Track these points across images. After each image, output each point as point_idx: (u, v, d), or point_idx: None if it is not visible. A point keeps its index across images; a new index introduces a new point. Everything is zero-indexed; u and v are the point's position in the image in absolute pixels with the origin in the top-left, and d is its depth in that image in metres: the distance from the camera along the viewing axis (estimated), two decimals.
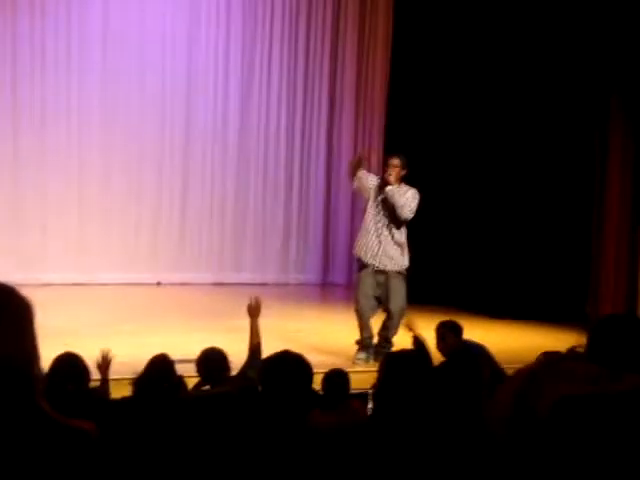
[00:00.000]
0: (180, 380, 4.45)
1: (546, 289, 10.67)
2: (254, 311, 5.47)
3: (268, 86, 12.84)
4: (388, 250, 7.58)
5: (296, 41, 12.91)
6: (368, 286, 7.60)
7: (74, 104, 11.78)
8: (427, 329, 6.06)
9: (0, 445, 1.68)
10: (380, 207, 7.60)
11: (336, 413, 3.98)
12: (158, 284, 12.11)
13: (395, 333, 7.52)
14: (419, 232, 11.58)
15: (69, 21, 11.70)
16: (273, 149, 12.95)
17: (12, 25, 11.41)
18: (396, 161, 7.61)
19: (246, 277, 12.49)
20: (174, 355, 4.96)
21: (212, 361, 4.88)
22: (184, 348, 6.83)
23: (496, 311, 10.39)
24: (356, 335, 7.73)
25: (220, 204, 12.70)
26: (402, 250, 7.64)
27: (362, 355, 7.55)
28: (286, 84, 12.94)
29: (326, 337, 8.62)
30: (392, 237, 7.58)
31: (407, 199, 7.51)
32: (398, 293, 7.56)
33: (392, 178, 7.53)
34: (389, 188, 7.52)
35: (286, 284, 12.78)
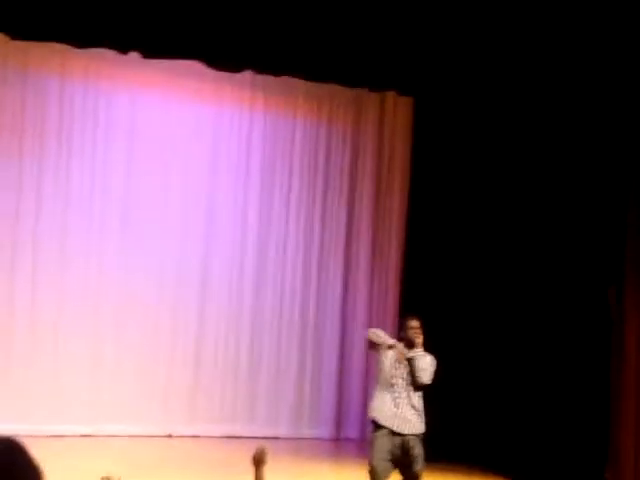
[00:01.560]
0: None
1: (564, 452, 10.47)
2: (258, 462, 5.23)
3: (285, 242, 13.05)
4: (406, 414, 7.44)
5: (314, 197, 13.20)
6: (384, 447, 7.44)
7: (95, 234, 11.98)
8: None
9: None
10: (401, 369, 7.48)
11: None
12: (169, 436, 11.95)
13: None
14: (442, 388, 11.62)
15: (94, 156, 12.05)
16: (288, 304, 13.03)
17: (39, 156, 11.72)
18: (418, 323, 7.52)
19: (259, 430, 12.33)
20: None
21: None
22: None
23: (518, 473, 10.16)
24: None
25: (234, 356, 12.67)
26: (419, 416, 7.49)
27: None
28: (303, 233, 13.16)
29: None
30: (410, 400, 7.46)
31: (427, 364, 7.44)
32: (421, 456, 7.39)
33: (420, 341, 7.45)
34: (417, 351, 7.43)
35: (299, 438, 12.60)
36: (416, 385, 7.42)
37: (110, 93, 12.06)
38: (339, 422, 13.05)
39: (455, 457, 10.60)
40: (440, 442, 10.74)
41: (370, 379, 13.13)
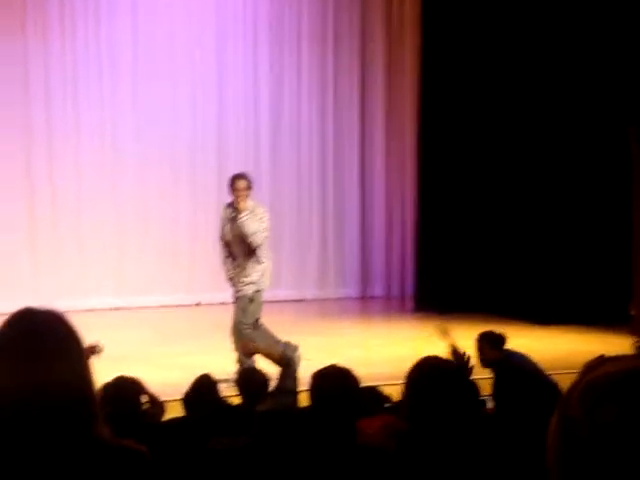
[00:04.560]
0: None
1: (588, 292, 10.59)
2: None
3: (298, 106, 12.91)
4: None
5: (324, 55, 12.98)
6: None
7: (107, 110, 11.95)
8: (468, 339, 6.03)
9: (60, 471, 1.69)
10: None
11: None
12: (197, 304, 12.16)
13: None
14: (460, 238, 11.67)
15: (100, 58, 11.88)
16: (306, 164, 13.00)
17: (44, 49, 11.58)
18: (245, 184, 7.41)
19: (284, 294, 12.50)
20: (217, 375, 5.01)
21: (252, 379, 4.90)
22: (226, 368, 6.89)
23: (538, 317, 10.31)
24: (405, 346, 7.66)
25: None
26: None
27: None
28: (316, 95, 13.00)
29: (368, 350, 8.62)
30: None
31: (253, 228, 7.34)
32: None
33: (244, 204, 7.36)
34: (241, 216, 7.38)
35: (325, 299, 12.79)
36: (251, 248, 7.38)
37: None
38: (364, 281, 13.20)
39: (477, 307, 10.72)
40: (465, 291, 10.91)
41: (393, 237, 13.22)
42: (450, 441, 2.95)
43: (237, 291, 7.56)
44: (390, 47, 13.08)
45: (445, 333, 5.85)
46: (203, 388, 4.63)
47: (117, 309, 11.55)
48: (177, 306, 11.87)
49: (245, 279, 7.46)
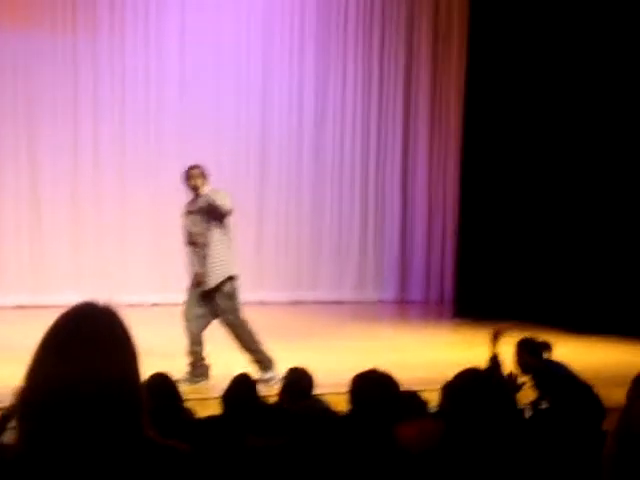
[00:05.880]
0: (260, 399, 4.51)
1: (629, 302, 10.48)
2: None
3: (342, 105, 12.92)
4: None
5: (370, 64, 12.98)
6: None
7: (152, 103, 12.10)
8: (505, 345, 5.99)
9: (107, 469, 1.69)
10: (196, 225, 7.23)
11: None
12: None
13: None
14: (500, 245, 11.61)
15: (147, 64, 12.00)
16: (348, 166, 13.02)
17: (92, 51, 11.72)
18: (198, 171, 7.21)
19: (323, 295, 12.54)
20: (254, 374, 5.03)
21: (300, 379, 4.91)
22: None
23: (577, 325, 10.22)
24: (444, 351, 7.63)
25: (296, 223, 12.79)
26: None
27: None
28: (360, 104, 13.01)
29: (406, 354, 8.60)
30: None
31: (219, 199, 7.09)
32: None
33: (201, 187, 7.14)
34: (199, 199, 7.16)
35: (363, 302, 12.79)
36: (222, 215, 7.06)
37: None
38: (403, 284, 13.19)
39: (518, 314, 10.66)
40: (507, 298, 10.84)
41: (433, 241, 13.19)
42: (487, 447, 2.95)
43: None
44: (436, 48, 13.06)
45: (497, 338, 5.76)
46: (242, 386, 4.65)
47: (156, 305, 11.64)
48: None
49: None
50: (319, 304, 12.32)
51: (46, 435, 1.66)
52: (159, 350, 7.07)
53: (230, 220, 7.24)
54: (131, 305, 11.12)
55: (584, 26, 10.84)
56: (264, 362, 7.15)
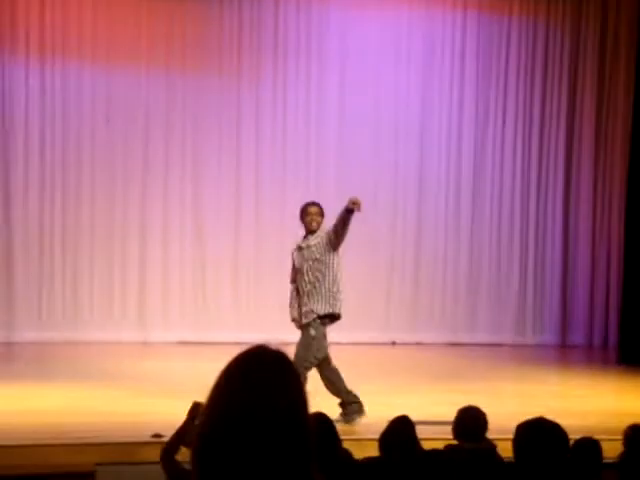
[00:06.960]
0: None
1: None
2: None
3: (502, 145, 12.75)
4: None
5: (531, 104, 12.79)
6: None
7: (313, 162, 12.29)
8: None
9: None
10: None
11: None
12: (393, 344, 12.15)
13: None
14: None
15: (308, 94, 12.23)
16: (507, 209, 12.80)
17: (256, 98, 12.06)
18: (317, 209, 7.15)
19: (481, 337, 12.32)
20: (414, 416, 4.93)
21: (470, 420, 4.74)
22: (424, 409, 6.81)
23: None
24: (609, 398, 7.35)
25: (454, 265, 12.64)
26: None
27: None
28: (521, 142, 12.81)
29: (569, 401, 8.30)
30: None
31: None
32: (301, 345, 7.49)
33: (316, 226, 7.10)
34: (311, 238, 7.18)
35: (522, 345, 12.48)
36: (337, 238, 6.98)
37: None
38: (564, 328, 12.81)
39: None
40: None
41: (597, 285, 12.76)
42: None
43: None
44: (602, 86, 12.73)
45: None
46: (400, 429, 4.57)
47: (288, 344, 11.70)
48: (371, 344, 11.85)
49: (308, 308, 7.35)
50: (477, 346, 12.10)
51: (222, 471, 1.67)
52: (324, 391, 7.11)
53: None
54: (284, 343, 11.26)
55: None
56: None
